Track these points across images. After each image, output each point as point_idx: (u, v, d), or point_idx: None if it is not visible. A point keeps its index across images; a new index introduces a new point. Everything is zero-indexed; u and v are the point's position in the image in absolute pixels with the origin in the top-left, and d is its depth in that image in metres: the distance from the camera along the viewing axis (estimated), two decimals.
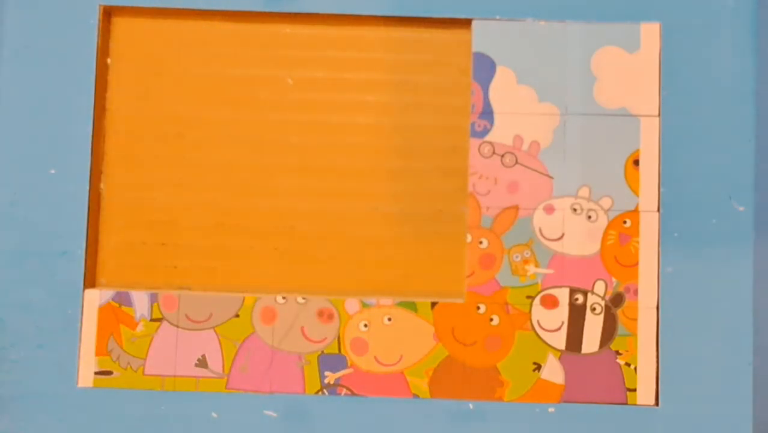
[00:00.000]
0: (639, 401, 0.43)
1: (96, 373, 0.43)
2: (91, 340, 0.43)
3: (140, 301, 0.43)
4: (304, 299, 0.43)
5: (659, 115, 0.43)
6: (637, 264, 0.43)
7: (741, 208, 0.43)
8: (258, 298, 0.43)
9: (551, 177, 0.43)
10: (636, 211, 0.43)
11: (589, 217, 0.43)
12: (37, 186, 0.43)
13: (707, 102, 0.43)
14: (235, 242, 0.44)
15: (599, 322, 0.43)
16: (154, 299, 0.43)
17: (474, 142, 0.44)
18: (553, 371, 0.43)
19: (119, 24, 0.45)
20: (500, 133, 0.44)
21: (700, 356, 0.42)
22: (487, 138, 0.44)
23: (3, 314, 0.43)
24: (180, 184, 0.45)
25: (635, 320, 0.43)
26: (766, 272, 0.44)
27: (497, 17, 0.44)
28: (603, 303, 0.43)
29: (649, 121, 0.43)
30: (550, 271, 0.43)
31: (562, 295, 0.43)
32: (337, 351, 0.43)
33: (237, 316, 0.43)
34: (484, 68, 0.44)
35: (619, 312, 0.43)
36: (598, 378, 0.43)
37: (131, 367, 0.43)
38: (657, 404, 0.43)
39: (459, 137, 0.44)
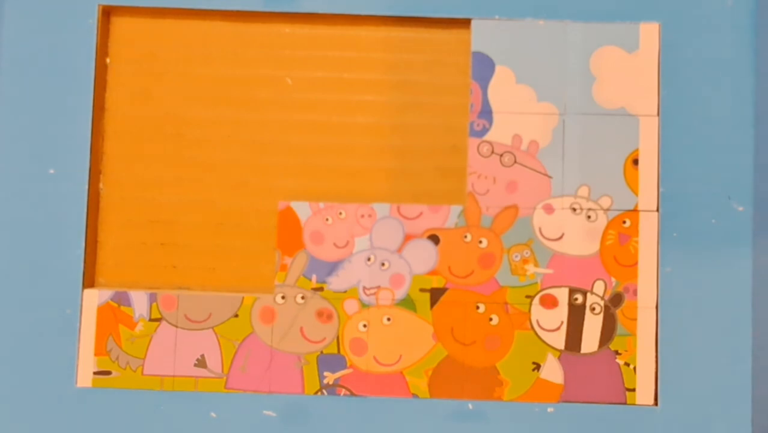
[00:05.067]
0: (638, 401, 0.43)
1: (95, 373, 0.43)
2: (90, 340, 0.43)
3: (139, 301, 0.43)
4: (303, 299, 0.43)
5: (658, 114, 0.43)
6: (636, 264, 0.43)
7: (740, 209, 0.43)
8: (257, 298, 0.43)
9: (550, 177, 0.43)
10: (635, 210, 0.43)
11: (589, 217, 0.43)
12: (37, 186, 0.43)
13: (706, 102, 0.43)
14: (234, 242, 0.44)
15: (598, 322, 0.43)
16: (153, 298, 0.43)
17: (473, 142, 0.44)
18: (553, 371, 0.43)
19: (118, 24, 0.45)
20: (499, 133, 0.44)
21: (699, 356, 0.42)
22: (486, 137, 0.44)
23: (2, 314, 0.43)
24: (179, 184, 0.45)
25: (634, 319, 0.43)
26: (765, 272, 0.44)
27: (496, 17, 0.44)
28: (602, 303, 0.43)
29: (648, 120, 0.43)
30: (549, 271, 0.43)
31: (562, 295, 0.43)
32: (336, 351, 0.43)
33: (236, 316, 0.43)
34: (483, 68, 0.44)
35: (618, 312, 0.43)
36: (598, 378, 0.43)
37: (130, 367, 0.43)
38: (656, 403, 0.42)
39: (458, 137, 0.44)
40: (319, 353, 0.43)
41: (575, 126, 0.43)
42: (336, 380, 0.43)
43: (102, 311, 0.43)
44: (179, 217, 0.45)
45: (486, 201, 0.43)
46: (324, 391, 0.43)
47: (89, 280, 0.44)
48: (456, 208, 0.43)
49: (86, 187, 0.43)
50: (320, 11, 0.44)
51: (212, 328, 0.43)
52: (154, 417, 0.43)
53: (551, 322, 0.43)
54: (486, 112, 0.44)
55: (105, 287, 0.44)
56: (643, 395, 0.43)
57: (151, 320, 0.43)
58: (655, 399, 0.43)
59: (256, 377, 0.43)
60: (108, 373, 0.43)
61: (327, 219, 0.43)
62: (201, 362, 0.43)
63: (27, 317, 0.43)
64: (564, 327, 0.43)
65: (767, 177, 0.44)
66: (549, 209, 0.43)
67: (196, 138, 0.45)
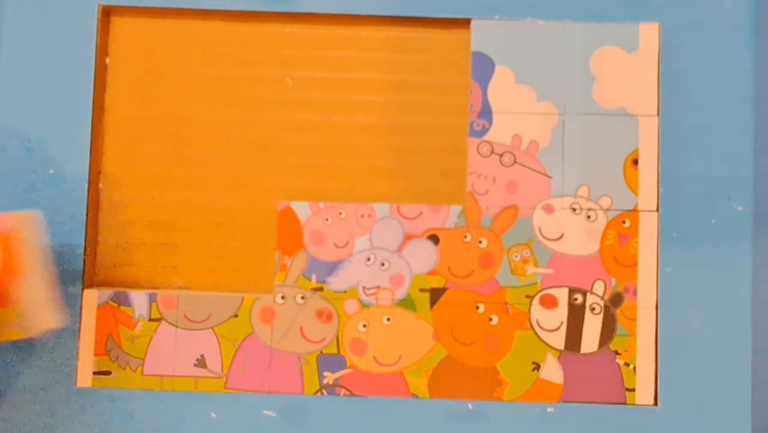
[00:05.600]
0: (638, 401, 0.43)
1: (95, 373, 0.43)
2: (89, 340, 0.43)
3: (139, 301, 0.43)
4: (302, 299, 0.43)
5: (658, 114, 0.43)
6: (636, 264, 0.43)
7: (740, 209, 0.43)
8: (257, 298, 0.43)
9: (550, 177, 0.43)
10: (635, 210, 0.43)
11: (588, 217, 0.43)
12: (37, 186, 0.43)
13: (706, 102, 0.43)
14: (234, 242, 0.44)
15: (598, 322, 0.43)
16: (153, 298, 0.43)
17: (473, 142, 0.44)
18: (552, 371, 0.43)
19: (118, 24, 0.45)
20: (499, 133, 0.44)
21: (698, 356, 0.42)
22: (486, 137, 0.44)
23: None
24: (179, 184, 0.45)
25: (634, 319, 0.43)
26: (764, 272, 0.44)
27: (496, 17, 0.44)
28: (602, 303, 0.43)
29: (648, 120, 0.43)
30: (549, 271, 0.43)
31: (561, 295, 0.43)
32: (336, 351, 0.43)
33: (236, 316, 0.43)
34: (483, 68, 0.44)
35: (618, 312, 0.43)
36: (597, 378, 0.43)
37: (130, 367, 0.43)
38: (656, 403, 0.42)
39: (458, 137, 0.44)
40: (318, 353, 0.43)
41: (575, 126, 0.43)
42: (336, 380, 0.43)
43: (102, 311, 0.43)
44: (179, 217, 0.45)
45: (486, 201, 0.43)
46: (324, 391, 0.43)
47: (89, 280, 0.44)
48: (456, 209, 0.43)
49: (86, 187, 0.43)
50: (320, 11, 0.44)
51: (212, 328, 0.43)
52: (153, 417, 0.43)
53: (551, 322, 0.43)
54: (486, 112, 0.44)
55: (105, 286, 0.44)
56: (643, 395, 0.43)
57: (150, 320, 0.43)
58: (655, 399, 0.43)
59: (256, 377, 0.43)
60: (108, 373, 0.43)
61: (327, 219, 0.44)
62: (201, 362, 0.43)
63: None
64: (564, 327, 0.43)
65: (767, 177, 0.44)
66: (549, 209, 0.43)
67: (195, 138, 0.45)
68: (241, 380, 0.43)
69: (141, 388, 0.43)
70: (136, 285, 0.44)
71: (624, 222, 0.43)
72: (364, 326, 0.43)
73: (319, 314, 0.43)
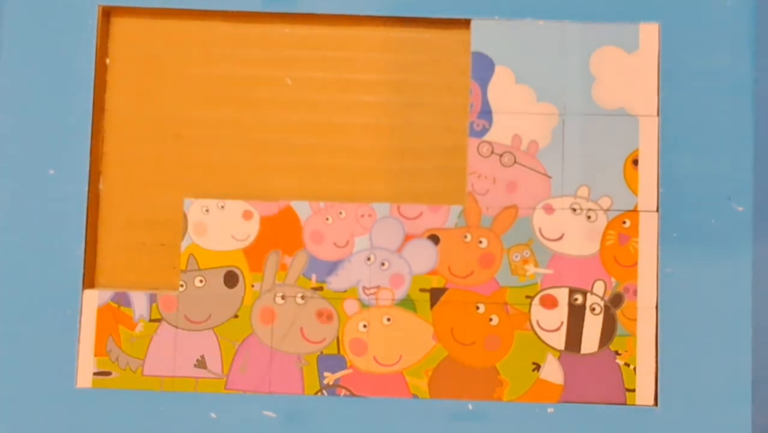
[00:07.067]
0: (638, 402, 0.43)
1: (95, 373, 0.43)
2: (89, 340, 0.43)
3: (139, 301, 0.43)
4: (303, 299, 0.43)
5: (658, 115, 0.43)
6: (636, 264, 0.43)
7: (740, 209, 0.43)
8: (257, 298, 0.43)
9: (550, 177, 0.43)
10: (635, 211, 0.43)
11: (589, 217, 0.43)
12: (36, 187, 0.43)
13: (706, 102, 0.43)
14: None
15: (598, 322, 0.43)
16: (153, 299, 0.43)
17: (473, 142, 0.44)
18: (553, 371, 0.43)
19: (118, 24, 0.45)
20: (499, 133, 0.44)
21: (699, 357, 0.42)
22: (486, 138, 0.44)
23: (2, 314, 0.43)
24: (179, 185, 0.45)
25: (634, 320, 0.43)
26: (764, 273, 0.44)
27: (496, 17, 0.44)
28: (602, 303, 0.43)
29: (647, 121, 0.43)
30: (549, 271, 0.43)
31: (562, 295, 0.43)
32: (336, 352, 0.43)
33: (236, 316, 0.43)
34: (483, 68, 0.44)
35: (618, 312, 0.43)
36: (598, 378, 0.43)
37: (130, 367, 0.43)
38: (656, 404, 0.42)
39: (458, 137, 0.44)
40: (319, 353, 0.43)
41: (575, 126, 0.43)
42: (336, 380, 0.43)
43: (102, 311, 0.43)
44: (179, 217, 0.45)
45: (486, 201, 0.43)
46: (324, 391, 0.43)
47: (89, 280, 0.44)
48: (456, 209, 0.43)
49: (86, 187, 0.43)
50: (320, 11, 0.44)
51: (212, 328, 0.43)
52: (154, 418, 0.43)
53: (551, 322, 0.43)
54: (486, 112, 0.44)
55: (105, 287, 0.44)
56: (643, 395, 0.43)
57: (151, 320, 0.43)
58: (655, 399, 0.43)
59: (256, 377, 0.43)
60: (108, 373, 0.43)
61: (327, 218, 0.44)
62: (201, 363, 0.43)
63: (27, 317, 0.43)
64: (564, 327, 0.43)
65: (767, 177, 0.44)
66: (549, 209, 0.43)
67: (195, 138, 0.45)
68: (242, 380, 0.43)
69: (141, 389, 0.43)
70: (136, 286, 0.44)
71: (624, 222, 0.43)
72: (365, 326, 0.43)
73: (319, 314, 0.43)
